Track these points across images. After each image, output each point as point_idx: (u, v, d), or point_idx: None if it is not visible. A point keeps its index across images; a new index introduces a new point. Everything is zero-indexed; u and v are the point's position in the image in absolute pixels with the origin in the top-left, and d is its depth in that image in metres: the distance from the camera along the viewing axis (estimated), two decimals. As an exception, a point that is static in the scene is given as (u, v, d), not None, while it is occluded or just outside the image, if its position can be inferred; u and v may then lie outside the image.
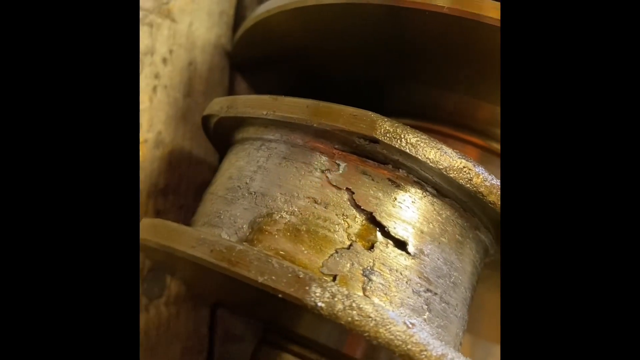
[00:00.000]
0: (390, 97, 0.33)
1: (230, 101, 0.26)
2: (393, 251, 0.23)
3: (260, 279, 0.21)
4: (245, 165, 0.25)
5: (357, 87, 0.33)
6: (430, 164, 0.22)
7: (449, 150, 0.22)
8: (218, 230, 0.24)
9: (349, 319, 0.20)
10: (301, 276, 0.20)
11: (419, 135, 0.22)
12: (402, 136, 0.22)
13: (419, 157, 0.22)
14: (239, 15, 0.37)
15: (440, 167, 0.22)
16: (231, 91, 0.37)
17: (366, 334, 0.20)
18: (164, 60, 0.34)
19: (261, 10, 0.30)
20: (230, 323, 0.39)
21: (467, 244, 0.24)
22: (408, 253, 0.23)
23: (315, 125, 0.23)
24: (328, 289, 0.20)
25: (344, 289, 0.20)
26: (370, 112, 0.22)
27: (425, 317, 0.23)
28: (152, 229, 0.25)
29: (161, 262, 0.31)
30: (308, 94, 0.27)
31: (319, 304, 0.20)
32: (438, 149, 0.22)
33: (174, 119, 0.34)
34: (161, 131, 0.34)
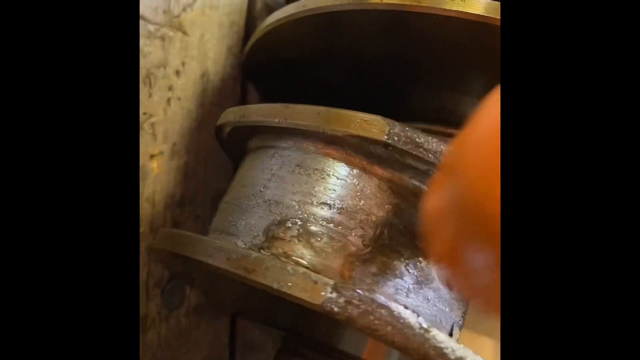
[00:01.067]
0: (404, 101, 0.33)
1: (242, 110, 0.26)
2: (404, 253, 0.23)
3: (275, 285, 0.21)
4: (259, 173, 0.25)
5: (369, 93, 0.33)
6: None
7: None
8: (234, 238, 0.24)
9: (365, 323, 0.20)
10: (316, 281, 0.20)
11: (429, 137, 0.22)
12: (413, 139, 0.22)
13: (430, 159, 0.22)
14: (250, 25, 0.37)
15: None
16: (244, 101, 0.38)
17: (383, 338, 0.20)
18: (177, 73, 0.34)
19: (271, 19, 0.30)
20: (250, 332, 0.39)
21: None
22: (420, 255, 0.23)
23: (327, 131, 0.23)
24: (343, 293, 0.20)
25: (359, 292, 0.20)
26: (380, 117, 0.23)
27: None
28: (169, 239, 0.25)
29: (180, 272, 0.31)
30: (320, 101, 0.27)
31: (335, 308, 0.20)
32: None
33: (188, 130, 0.35)
34: (176, 142, 0.34)
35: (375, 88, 0.33)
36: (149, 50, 0.33)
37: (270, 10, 0.38)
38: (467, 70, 0.29)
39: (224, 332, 0.38)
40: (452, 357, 0.21)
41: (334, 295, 0.20)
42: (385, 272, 0.23)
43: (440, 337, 0.21)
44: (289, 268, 0.21)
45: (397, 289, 0.23)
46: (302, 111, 0.24)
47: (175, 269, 0.30)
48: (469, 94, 0.31)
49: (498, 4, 0.24)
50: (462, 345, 0.21)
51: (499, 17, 0.24)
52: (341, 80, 0.33)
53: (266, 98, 0.38)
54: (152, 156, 0.34)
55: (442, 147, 0.22)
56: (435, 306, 0.24)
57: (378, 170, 0.23)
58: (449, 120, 0.32)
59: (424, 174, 0.23)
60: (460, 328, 0.26)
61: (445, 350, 0.21)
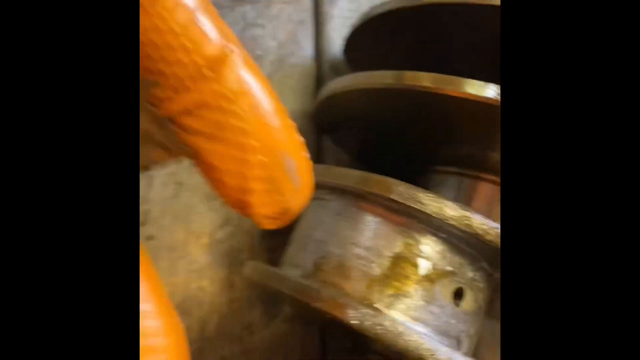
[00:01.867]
0: (442, 152, 0.40)
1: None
2: (413, 279, 0.31)
3: (316, 304, 0.30)
4: (311, 218, 0.34)
5: (413, 144, 0.41)
6: (435, 215, 0.30)
7: (450, 204, 0.30)
8: (294, 269, 0.33)
9: (374, 332, 0.28)
10: (341, 302, 0.29)
11: (426, 194, 0.30)
12: (413, 196, 0.30)
13: (428, 211, 0.30)
14: (319, 85, 0.46)
15: (442, 217, 0.30)
16: (319, 147, 0.47)
17: (387, 343, 0.28)
18: (262, 132, 0.44)
19: (327, 90, 0.39)
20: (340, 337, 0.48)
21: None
22: (426, 280, 0.31)
23: (356, 189, 0.32)
24: (359, 310, 0.29)
25: (371, 310, 0.29)
26: (389, 179, 0.31)
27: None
28: (254, 271, 0.35)
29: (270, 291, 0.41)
30: (379, 148, 0.34)
31: (353, 321, 0.28)
32: (439, 203, 0.30)
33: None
34: (265, 187, 0.44)
35: (418, 141, 0.40)
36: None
37: (336, 71, 0.47)
38: (492, 135, 0.36)
39: (315, 336, 0.45)
40: (441, 357, 0.28)
41: (352, 312, 0.29)
42: (398, 293, 0.31)
43: (432, 341, 0.28)
44: (323, 291, 0.30)
45: (408, 306, 0.31)
46: (340, 174, 0.33)
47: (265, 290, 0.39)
48: (497, 151, 0.37)
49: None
50: (450, 348, 0.29)
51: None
52: (390, 134, 0.41)
53: (337, 143, 0.47)
54: (246, 199, 0.43)
55: (434, 201, 0.30)
56: (441, 319, 0.31)
57: (393, 217, 0.31)
58: (482, 167, 0.39)
59: (426, 220, 0.31)
60: (472, 337, 0.33)
61: (436, 352, 0.28)
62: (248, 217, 0.25)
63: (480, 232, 0.30)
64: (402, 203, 0.30)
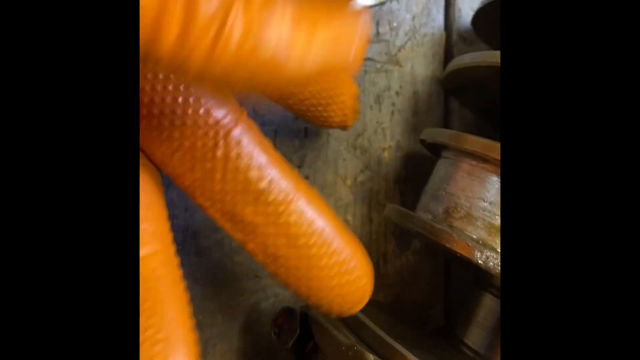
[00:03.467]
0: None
1: (428, 133, 0.42)
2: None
3: (448, 245, 0.37)
4: (443, 175, 0.42)
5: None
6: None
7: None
8: (427, 214, 0.41)
9: (496, 271, 0.36)
10: (470, 244, 0.37)
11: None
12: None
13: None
14: (448, 52, 0.52)
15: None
16: (447, 108, 0.53)
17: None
18: (397, 93, 0.51)
19: (457, 62, 0.45)
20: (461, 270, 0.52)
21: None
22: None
23: (483, 154, 0.39)
24: (484, 252, 0.36)
25: (494, 253, 0.36)
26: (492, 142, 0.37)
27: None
28: (393, 212, 0.43)
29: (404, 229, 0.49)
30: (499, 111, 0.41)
31: (479, 261, 0.36)
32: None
33: (406, 131, 0.52)
34: (399, 140, 0.52)
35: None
36: (377, 80, 0.50)
37: (463, 40, 0.52)
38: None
39: (440, 268, 0.51)
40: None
41: (478, 253, 0.36)
42: (516, 239, 0.38)
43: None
44: (454, 234, 0.37)
45: (524, 249, 0.38)
46: (469, 140, 0.40)
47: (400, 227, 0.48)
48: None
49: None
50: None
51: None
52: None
53: (463, 105, 0.53)
54: (384, 149, 0.51)
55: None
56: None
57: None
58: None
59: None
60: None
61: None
62: None
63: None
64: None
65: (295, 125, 0.49)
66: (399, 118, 0.51)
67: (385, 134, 0.51)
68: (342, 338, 0.38)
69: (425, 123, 0.52)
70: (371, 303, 0.51)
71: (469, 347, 0.44)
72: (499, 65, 0.40)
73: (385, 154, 0.51)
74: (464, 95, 0.52)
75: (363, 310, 0.37)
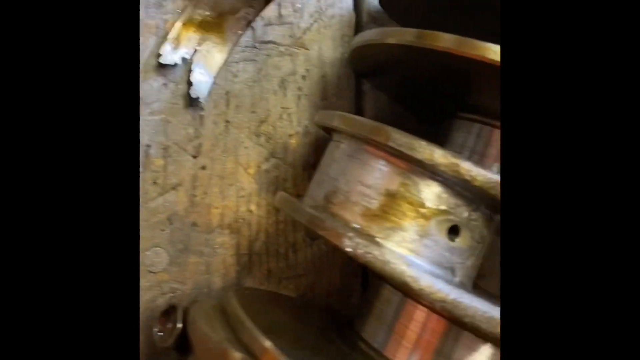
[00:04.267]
0: (464, 100, 0.43)
1: (319, 116, 0.40)
2: (409, 215, 0.35)
3: (321, 232, 0.35)
4: (328, 158, 0.39)
5: (439, 91, 0.44)
6: (426, 162, 0.34)
7: (441, 152, 0.34)
8: (310, 200, 0.39)
9: (365, 259, 0.33)
10: (340, 231, 0.34)
11: (420, 142, 0.34)
12: (408, 144, 0.34)
13: (418, 156, 0.34)
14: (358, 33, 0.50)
15: (433, 163, 0.34)
16: (359, 92, 0.51)
17: (376, 269, 0.33)
18: (303, 77, 0.49)
19: (355, 41, 0.43)
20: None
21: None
22: (421, 217, 0.35)
23: (363, 136, 0.36)
24: (354, 240, 0.34)
25: (364, 240, 0.34)
26: (390, 128, 0.35)
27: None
28: (279, 200, 0.41)
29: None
30: (413, 93, 0.38)
31: (347, 249, 0.34)
32: (431, 151, 0.34)
33: (315, 116, 0.49)
34: (307, 125, 0.49)
35: (441, 89, 0.44)
36: (282, 64, 0.48)
37: (374, 21, 0.50)
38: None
39: None
40: (422, 284, 0.33)
41: (347, 241, 0.34)
42: (395, 227, 0.35)
43: (415, 272, 0.33)
44: (326, 221, 0.35)
45: (403, 238, 0.35)
46: (355, 121, 0.37)
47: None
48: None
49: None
50: (434, 277, 0.33)
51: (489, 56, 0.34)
52: (418, 82, 0.45)
53: (376, 87, 0.51)
54: (290, 135, 0.49)
55: (427, 149, 0.34)
56: (435, 252, 0.36)
57: (393, 161, 0.36)
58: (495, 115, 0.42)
59: (422, 165, 0.35)
60: (470, 268, 0.37)
61: (418, 280, 0.33)
62: None
63: (468, 178, 0.34)
64: (398, 150, 0.34)
65: (189, 114, 0.47)
66: (306, 103, 0.49)
67: (292, 120, 0.49)
68: (213, 335, 0.36)
69: (335, 108, 0.49)
70: (277, 296, 0.49)
71: (365, 342, 0.42)
72: (408, 43, 0.37)
73: (292, 141, 0.49)
74: (377, 78, 0.50)
75: (256, 306, 0.35)
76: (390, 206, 0.36)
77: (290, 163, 0.49)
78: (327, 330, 0.44)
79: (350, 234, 0.34)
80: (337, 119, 0.38)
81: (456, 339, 0.39)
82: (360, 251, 0.34)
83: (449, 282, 0.36)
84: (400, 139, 0.34)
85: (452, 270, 0.37)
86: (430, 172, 0.35)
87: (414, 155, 0.34)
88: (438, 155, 0.34)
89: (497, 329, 0.33)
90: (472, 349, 0.39)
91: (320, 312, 0.48)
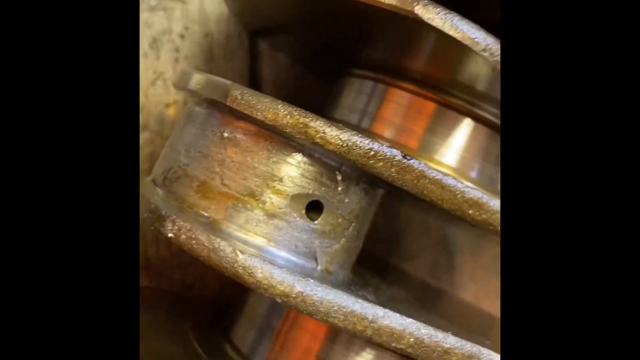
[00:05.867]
0: (358, 54, 0.37)
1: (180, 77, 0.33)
2: (256, 191, 0.29)
3: (142, 214, 0.28)
4: (176, 126, 0.33)
5: (334, 45, 0.37)
6: (269, 122, 0.27)
7: (288, 109, 0.27)
8: (153, 175, 0.32)
9: (188, 246, 0.27)
10: (162, 213, 0.27)
11: (263, 99, 0.27)
12: (248, 102, 0.27)
13: (259, 116, 0.27)
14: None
15: (277, 124, 0.27)
16: (253, 51, 0.44)
17: (200, 258, 0.26)
18: (181, 36, 0.42)
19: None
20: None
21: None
22: (272, 192, 0.29)
23: (206, 97, 0.30)
24: (177, 223, 0.27)
25: (188, 224, 0.27)
26: (229, 84, 0.28)
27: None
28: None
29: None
30: (312, 50, 0.33)
31: (169, 234, 0.27)
32: (275, 110, 0.27)
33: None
34: (189, 93, 0.42)
35: (338, 43, 0.37)
36: (153, 21, 0.41)
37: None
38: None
39: None
40: (259, 275, 0.26)
41: (172, 225, 0.27)
42: (237, 205, 0.29)
43: (250, 260, 0.26)
44: (152, 202, 0.28)
45: (247, 219, 0.29)
46: (201, 80, 0.30)
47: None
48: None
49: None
50: (271, 265, 0.26)
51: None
52: (312, 37, 0.38)
53: (272, 46, 0.44)
54: (167, 105, 0.42)
55: (270, 107, 0.27)
56: (288, 234, 0.29)
57: (239, 125, 0.29)
58: (398, 73, 0.35)
59: (263, 124, 0.28)
60: (337, 251, 0.31)
61: (253, 270, 0.26)
62: None
63: (319, 140, 0.27)
64: (237, 110, 0.27)
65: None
66: (185, 66, 0.42)
67: (168, 87, 0.42)
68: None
69: (224, 71, 0.42)
70: (149, 292, 0.42)
71: (232, 345, 0.35)
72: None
73: (170, 111, 0.42)
74: (273, 38, 0.43)
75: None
76: (233, 179, 0.29)
77: (167, 136, 0.42)
78: (205, 330, 0.38)
79: (172, 216, 0.27)
80: (185, 78, 0.32)
81: (333, 339, 0.32)
82: (183, 237, 0.27)
83: (310, 271, 0.29)
84: (240, 97, 0.27)
85: (313, 256, 0.30)
86: (281, 135, 0.28)
87: (254, 115, 0.27)
88: (283, 114, 0.27)
89: (361, 325, 0.26)
90: (351, 350, 0.32)
91: (205, 307, 0.42)
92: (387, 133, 0.35)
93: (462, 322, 0.47)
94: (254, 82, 0.44)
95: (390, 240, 0.52)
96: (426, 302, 0.48)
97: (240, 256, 0.26)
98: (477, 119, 0.34)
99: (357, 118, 0.36)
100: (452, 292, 0.55)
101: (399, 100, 0.35)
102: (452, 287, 0.55)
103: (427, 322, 0.28)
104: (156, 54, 0.41)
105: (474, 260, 0.56)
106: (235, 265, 0.26)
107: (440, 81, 0.34)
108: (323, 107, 0.39)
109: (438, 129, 0.35)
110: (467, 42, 0.26)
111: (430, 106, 0.35)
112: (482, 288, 0.55)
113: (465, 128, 0.35)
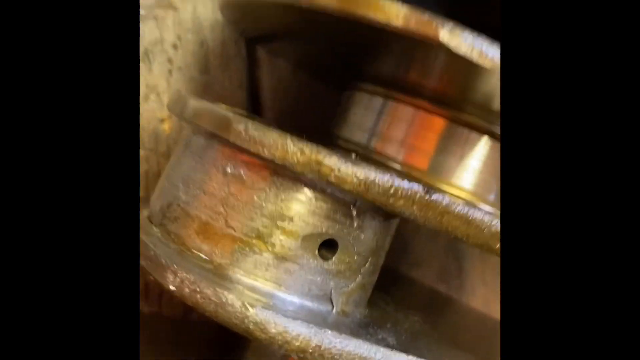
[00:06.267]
0: (364, 69, 0.34)
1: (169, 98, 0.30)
2: (264, 232, 0.26)
3: (142, 262, 0.26)
4: (174, 157, 0.30)
5: (339, 58, 0.35)
6: (279, 161, 0.24)
7: (298, 145, 0.24)
8: (149, 211, 0.30)
9: (193, 301, 0.24)
10: (162, 261, 0.25)
11: (271, 133, 0.25)
12: (254, 138, 0.25)
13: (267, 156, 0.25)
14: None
15: (287, 163, 0.24)
16: (251, 60, 0.41)
17: (207, 314, 0.24)
18: (174, 46, 0.39)
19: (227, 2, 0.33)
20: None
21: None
22: (282, 233, 0.26)
23: (205, 129, 0.27)
24: (179, 275, 0.24)
25: (191, 276, 0.24)
26: (231, 116, 0.25)
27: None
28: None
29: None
30: (315, 59, 0.31)
31: (171, 287, 0.24)
32: (283, 145, 0.24)
33: (192, 94, 0.39)
34: (185, 106, 0.39)
35: (343, 58, 0.34)
36: (143, 31, 0.38)
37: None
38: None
39: None
40: (272, 331, 0.24)
41: (171, 276, 0.25)
42: (244, 249, 0.26)
43: (261, 314, 0.24)
44: (152, 248, 0.26)
45: (255, 264, 0.26)
46: (200, 109, 0.28)
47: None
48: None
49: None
50: (289, 324, 0.24)
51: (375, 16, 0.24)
52: (317, 47, 0.35)
53: (271, 54, 0.41)
54: (162, 120, 0.39)
55: (276, 138, 0.24)
56: (301, 278, 0.27)
57: (244, 159, 0.26)
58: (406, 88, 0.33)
59: (271, 163, 0.25)
60: (352, 292, 0.28)
61: (265, 325, 0.24)
62: None
63: (333, 180, 0.24)
64: (241, 146, 0.25)
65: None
66: (180, 78, 0.39)
67: (162, 101, 0.39)
68: None
69: (220, 81, 0.39)
70: (150, 319, 0.40)
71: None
72: (275, 3, 0.28)
73: (164, 126, 0.39)
74: (273, 44, 0.40)
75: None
76: (238, 220, 0.26)
77: (162, 153, 0.39)
78: None
79: (173, 267, 0.25)
80: (179, 104, 0.29)
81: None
82: (186, 290, 0.24)
83: (325, 315, 0.27)
84: (244, 133, 0.25)
85: (327, 298, 0.27)
86: (291, 172, 0.26)
87: (261, 154, 0.25)
88: (293, 152, 0.24)
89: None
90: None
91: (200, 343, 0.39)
92: (400, 153, 0.32)
93: (472, 328, 0.45)
94: (253, 91, 0.41)
95: (398, 248, 0.50)
96: (436, 308, 0.46)
97: (251, 310, 0.24)
98: (495, 137, 0.32)
99: (366, 137, 0.33)
100: (462, 297, 0.53)
101: (411, 119, 0.33)
102: (462, 291, 0.54)
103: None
104: (148, 67, 0.38)
105: (483, 264, 0.55)
106: (246, 321, 0.24)
107: (455, 98, 0.31)
108: (329, 121, 0.36)
109: (453, 148, 0.32)
110: (496, 70, 0.24)
111: (445, 124, 0.32)
112: (492, 290, 0.54)
113: (482, 147, 0.32)
